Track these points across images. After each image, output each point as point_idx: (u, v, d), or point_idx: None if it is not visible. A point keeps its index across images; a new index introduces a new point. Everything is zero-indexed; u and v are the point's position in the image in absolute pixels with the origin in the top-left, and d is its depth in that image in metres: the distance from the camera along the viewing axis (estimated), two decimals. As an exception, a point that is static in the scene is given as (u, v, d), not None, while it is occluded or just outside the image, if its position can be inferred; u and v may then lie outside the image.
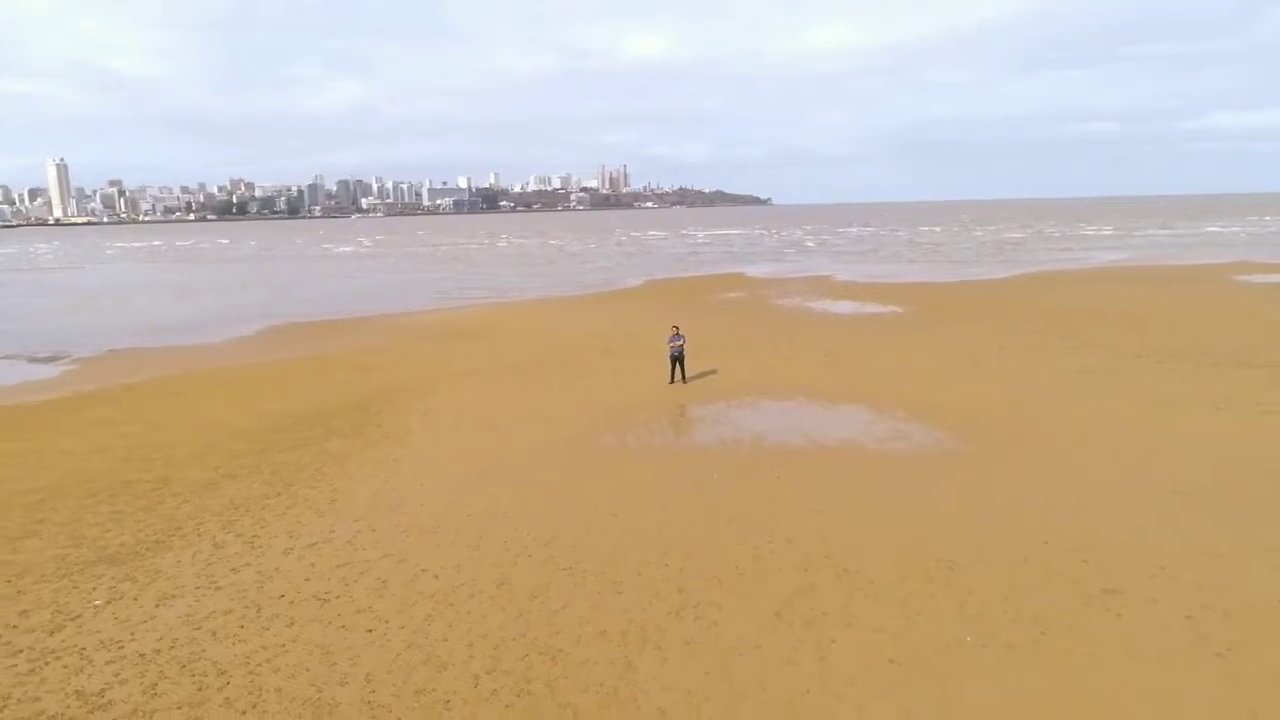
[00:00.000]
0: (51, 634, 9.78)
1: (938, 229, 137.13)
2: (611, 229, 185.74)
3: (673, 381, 22.56)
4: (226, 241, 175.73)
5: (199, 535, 12.73)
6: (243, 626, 9.84)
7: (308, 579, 11.10)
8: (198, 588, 10.91)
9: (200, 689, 8.56)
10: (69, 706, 8.30)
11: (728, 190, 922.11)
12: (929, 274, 56.78)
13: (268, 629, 9.77)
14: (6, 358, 31.07)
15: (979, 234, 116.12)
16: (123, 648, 9.41)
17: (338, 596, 10.58)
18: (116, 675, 8.82)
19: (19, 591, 10.91)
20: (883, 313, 37.67)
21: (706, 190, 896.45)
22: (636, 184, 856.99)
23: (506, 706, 8.16)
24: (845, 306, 40.23)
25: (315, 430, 18.85)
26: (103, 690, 8.55)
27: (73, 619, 10.12)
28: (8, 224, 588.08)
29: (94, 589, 10.94)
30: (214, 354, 30.43)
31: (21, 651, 9.38)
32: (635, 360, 25.87)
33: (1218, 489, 13.49)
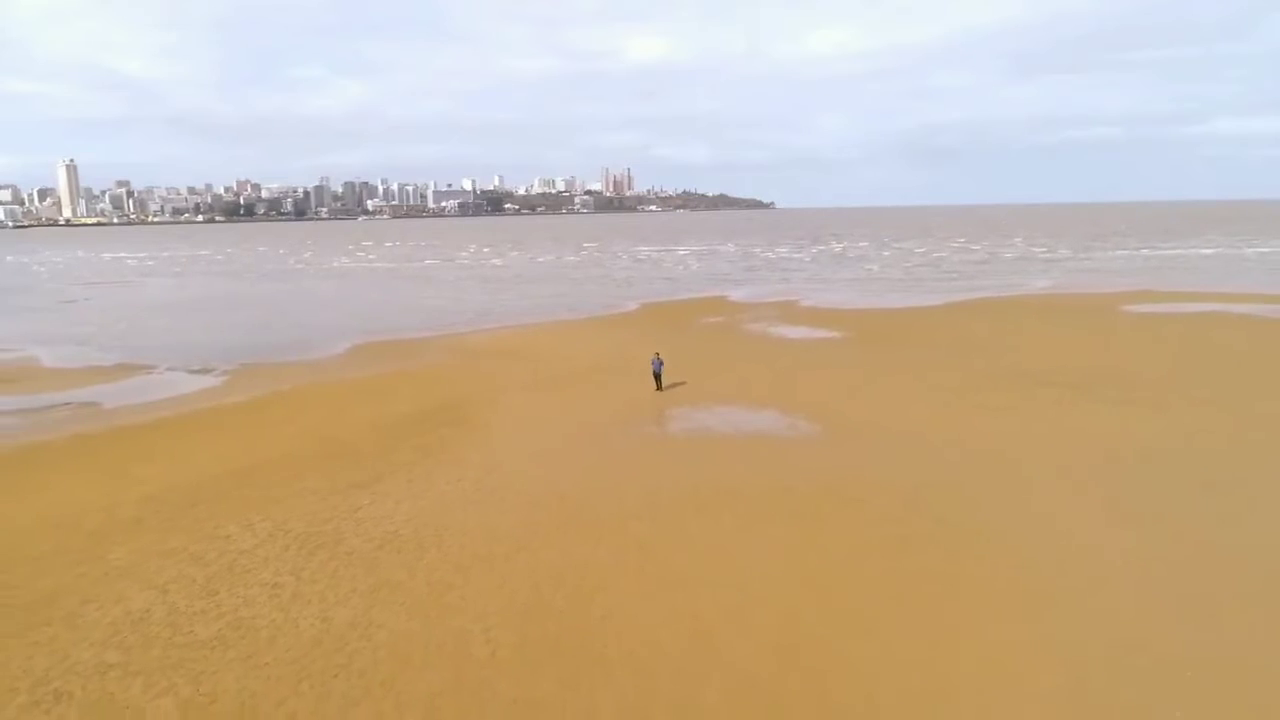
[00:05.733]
0: (352, 514, 20.72)
1: (907, 245, 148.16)
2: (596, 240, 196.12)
3: (657, 390, 33.52)
4: (230, 250, 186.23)
5: (394, 478, 23.64)
6: (443, 512, 20.76)
7: (464, 496, 22.00)
8: (411, 498, 21.83)
9: (437, 532, 19.47)
10: (382, 535, 19.20)
11: (731, 194, 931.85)
12: (878, 299, 67.77)
13: (455, 514, 20.68)
14: (170, 369, 42.04)
15: (944, 254, 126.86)
16: (391, 519, 20.33)
17: (483, 503, 21.48)
18: (397, 527, 19.75)
19: (323, 499, 21.83)
20: (826, 337, 48.62)
21: (710, 194, 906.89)
22: (641, 187, 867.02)
23: (577, 532, 19.06)
24: (799, 331, 51.13)
25: (427, 423, 29.77)
26: (395, 531, 19.48)
27: (358, 509, 21.04)
28: (19, 224, 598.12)
29: (358, 498, 21.85)
30: (324, 369, 41.39)
31: (345, 519, 20.30)
32: (632, 376, 36.59)
33: (954, 456, 24.39)
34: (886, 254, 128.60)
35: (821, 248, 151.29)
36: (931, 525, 19.35)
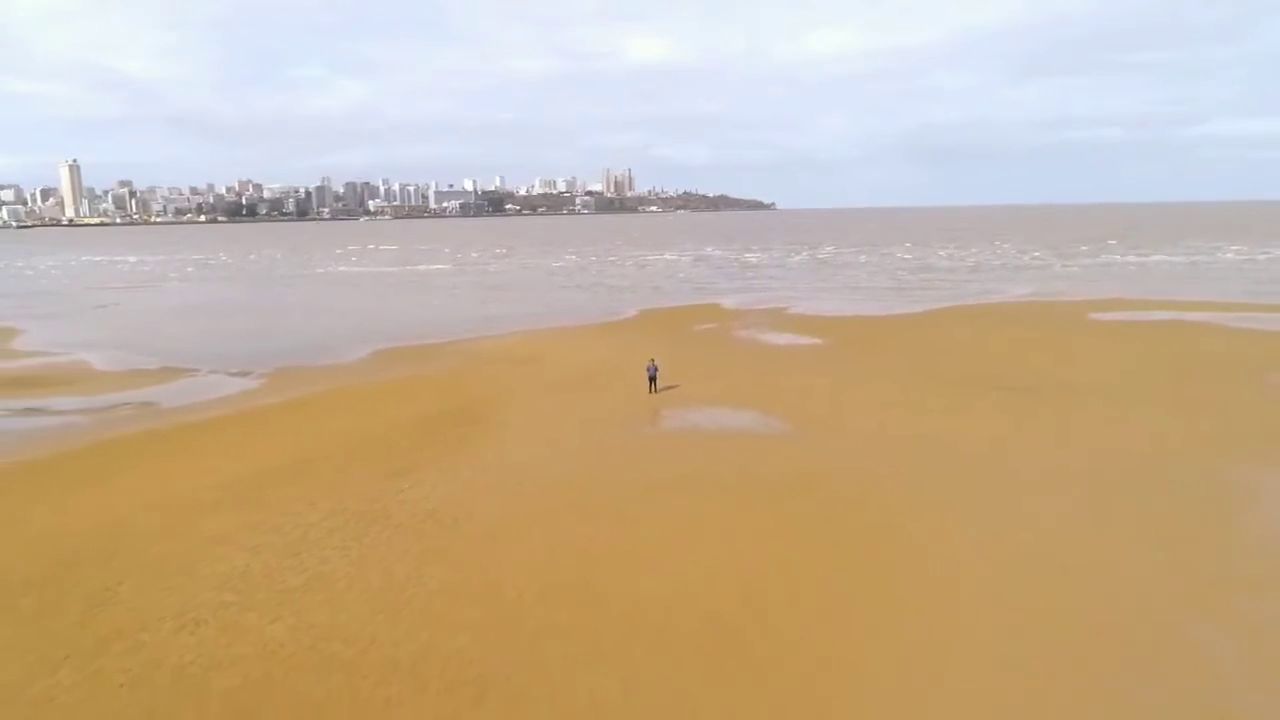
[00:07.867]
0: (396, 496, 24.94)
1: (900, 251, 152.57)
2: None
3: (651, 392, 37.79)
4: (236, 257, 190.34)
5: (427, 468, 27.85)
6: (471, 495, 24.99)
7: (487, 483, 26.23)
8: (444, 483, 26.06)
9: (468, 510, 23.70)
10: (424, 512, 23.42)
11: (732, 194, 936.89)
12: (862, 306, 72.06)
13: (481, 497, 24.91)
14: (212, 371, 46.31)
15: (934, 260, 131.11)
16: (430, 500, 24.56)
17: (504, 488, 25.71)
18: (435, 506, 23.97)
19: (370, 484, 26.05)
20: (810, 344, 52.86)
21: (710, 194, 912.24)
22: (641, 187, 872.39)
23: (583, 511, 23.28)
24: (785, 338, 55.37)
25: (449, 421, 34.00)
26: (433, 509, 23.72)
27: (402, 490, 25.27)
28: (23, 224, 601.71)
29: (399, 484, 26.07)
30: (351, 372, 45.63)
31: (391, 500, 24.52)
32: (630, 380, 40.75)
33: (908, 449, 28.61)
34: (877, 260, 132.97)
35: (813, 252, 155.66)
36: (877, 504, 23.59)
